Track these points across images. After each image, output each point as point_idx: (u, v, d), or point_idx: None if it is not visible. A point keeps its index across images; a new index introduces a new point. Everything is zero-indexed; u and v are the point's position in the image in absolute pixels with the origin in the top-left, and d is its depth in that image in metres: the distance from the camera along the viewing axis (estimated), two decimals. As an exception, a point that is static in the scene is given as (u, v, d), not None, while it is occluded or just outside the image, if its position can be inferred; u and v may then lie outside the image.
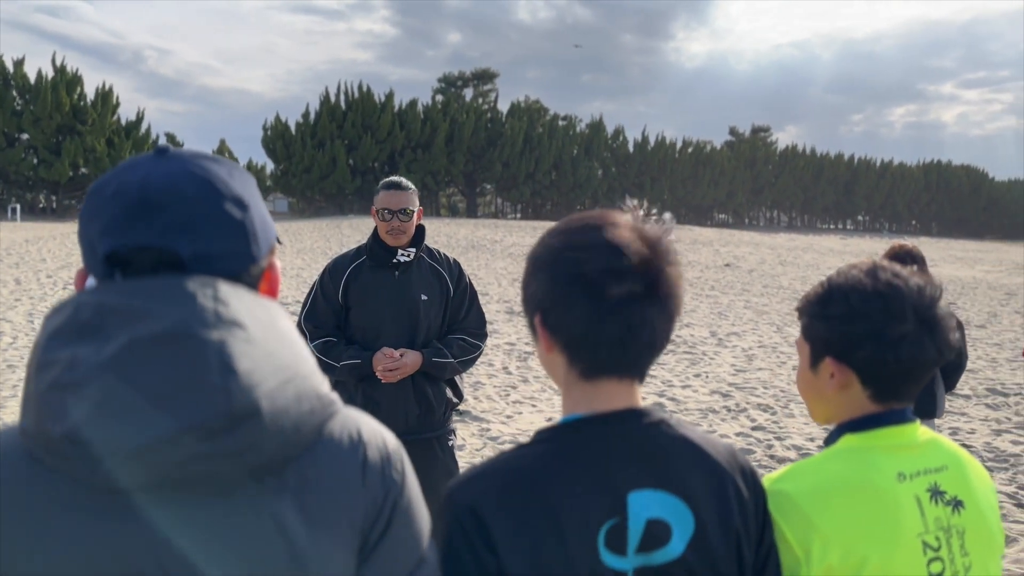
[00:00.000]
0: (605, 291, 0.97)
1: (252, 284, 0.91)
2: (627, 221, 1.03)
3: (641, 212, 1.05)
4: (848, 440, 1.22)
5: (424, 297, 3.12)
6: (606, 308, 0.98)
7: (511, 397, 7.42)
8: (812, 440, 6.29)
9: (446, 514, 0.99)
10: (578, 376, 1.04)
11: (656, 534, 0.98)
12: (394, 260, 3.11)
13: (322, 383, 0.87)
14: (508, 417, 6.74)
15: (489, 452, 5.74)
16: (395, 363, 2.99)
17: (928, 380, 1.21)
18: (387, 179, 3.18)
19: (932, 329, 1.16)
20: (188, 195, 0.86)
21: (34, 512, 0.77)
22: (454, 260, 3.29)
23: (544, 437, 1.05)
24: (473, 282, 3.33)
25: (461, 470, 3.33)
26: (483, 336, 3.26)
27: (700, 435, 1.08)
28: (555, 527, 0.96)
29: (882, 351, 1.16)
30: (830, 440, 1.25)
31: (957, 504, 1.18)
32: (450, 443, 3.20)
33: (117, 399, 0.74)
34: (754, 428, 6.64)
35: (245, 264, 0.89)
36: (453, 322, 3.21)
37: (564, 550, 0.95)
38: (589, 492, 0.98)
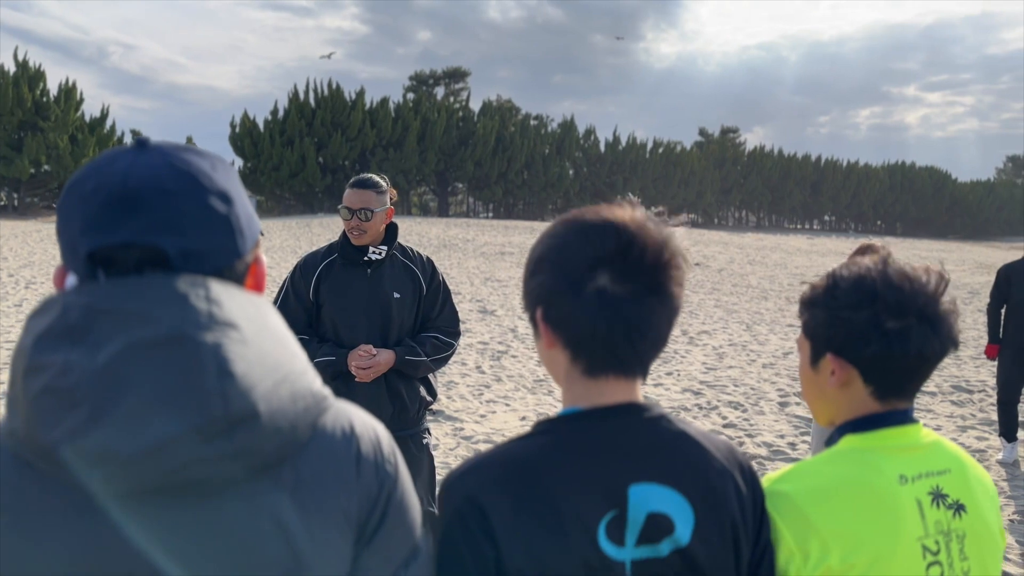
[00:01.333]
0: (609, 287, 0.97)
1: (238, 279, 0.89)
2: (632, 216, 1.02)
3: (650, 210, 1.04)
4: (849, 441, 1.20)
5: (396, 295, 3.09)
6: (610, 304, 0.97)
7: (484, 396, 7.41)
8: (782, 437, 6.36)
9: (444, 504, 0.99)
10: (581, 373, 1.03)
11: (657, 528, 0.98)
12: (365, 258, 3.07)
13: (314, 380, 0.87)
14: (482, 416, 6.73)
15: (463, 452, 5.72)
16: (369, 360, 2.96)
17: (929, 376, 1.20)
18: (357, 176, 3.13)
19: (937, 323, 1.14)
20: (172, 190, 0.83)
21: (24, 517, 0.75)
22: (427, 258, 3.26)
23: (544, 428, 1.04)
24: (448, 286, 3.31)
25: (436, 470, 3.32)
26: (456, 334, 3.24)
27: (700, 431, 1.08)
28: (555, 518, 0.96)
29: (886, 345, 1.13)
30: (831, 440, 1.23)
31: (959, 508, 1.16)
32: (425, 441, 3.18)
33: (113, 405, 0.73)
34: (725, 425, 6.70)
35: (231, 259, 0.87)
36: (426, 320, 3.19)
37: (564, 540, 0.95)
38: (589, 483, 0.98)
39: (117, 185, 0.82)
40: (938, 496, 1.15)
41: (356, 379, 2.99)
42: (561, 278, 0.99)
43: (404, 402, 3.08)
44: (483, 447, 5.83)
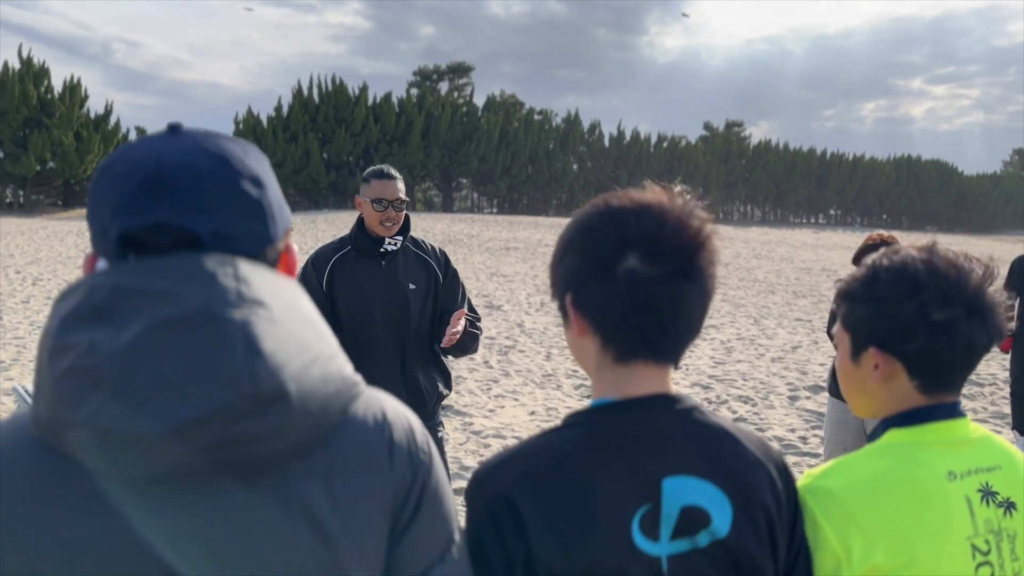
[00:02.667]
0: (639, 268, 0.94)
1: (270, 266, 0.88)
2: (663, 198, 1.00)
3: (678, 190, 1.02)
4: (894, 435, 1.15)
5: (412, 286, 3.06)
6: (641, 286, 0.95)
7: (493, 391, 7.39)
8: (793, 431, 6.33)
9: (473, 500, 0.97)
10: (611, 360, 1.01)
11: (693, 521, 0.96)
12: (381, 249, 3.04)
13: (345, 364, 0.85)
14: (491, 411, 6.71)
15: (472, 446, 5.70)
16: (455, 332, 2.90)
17: (975, 368, 1.16)
18: (375, 167, 3.11)
19: (985, 313, 1.10)
20: (204, 172, 0.83)
21: (47, 506, 0.73)
22: (440, 249, 3.25)
23: (574, 421, 1.02)
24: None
25: (449, 465, 3.30)
26: (479, 323, 3.23)
27: (733, 424, 1.06)
28: (588, 512, 0.93)
29: (932, 337, 1.08)
30: (874, 435, 1.19)
31: (1009, 506, 1.12)
32: (440, 435, 3.16)
33: (138, 384, 0.71)
34: (735, 420, 6.66)
35: (263, 245, 0.86)
36: (446, 311, 3.16)
37: (597, 536, 0.93)
38: (622, 477, 0.95)
39: (150, 167, 0.82)
40: (988, 493, 1.11)
41: (378, 360, 2.95)
42: (589, 261, 0.97)
43: (422, 394, 3.05)
44: (492, 441, 5.81)
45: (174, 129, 0.88)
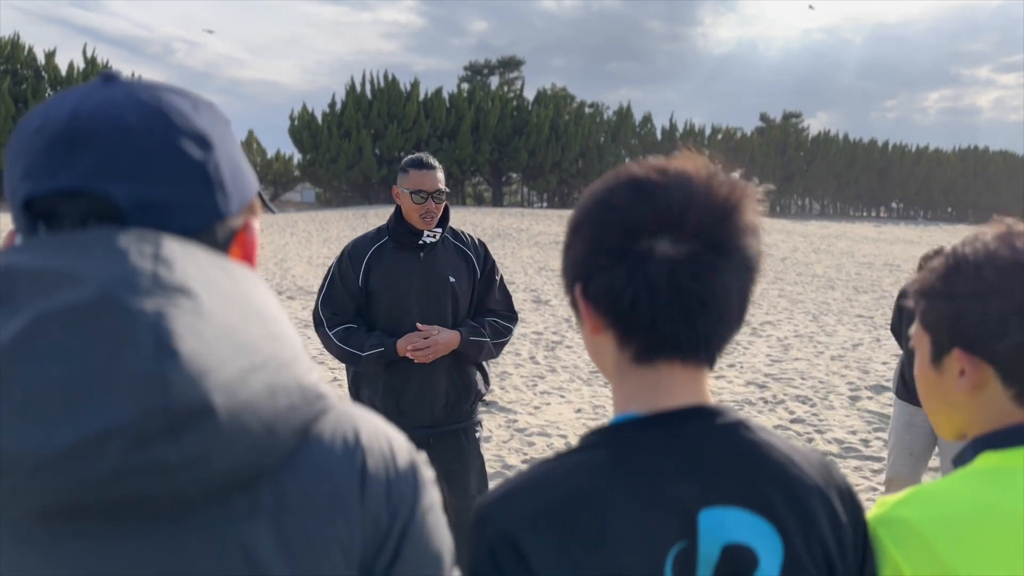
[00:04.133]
0: (660, 248, 0.77)
1: (219, 248, 0.70)
2: (688, 165, 0.82)
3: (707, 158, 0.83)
4: (988, 459, 0.96)
5: (452, 279, 2.93)
6: (661, 269, 0.77)
7: (538, 388, 7.23)
8: (854, 433, 6.02)
9: (474, 539, 0.80)
10: (631, 360, 0.83)
11: (736, 562, 0.78)
12: (419, 241, 2.91)
13: (307, 372, 0.66)
14: (536, 408, 6.55)
15: (516, 444, 5.54)
16: (427, 341, 2.80)
17: None
18: (413, 156, 2.97)
19: None
20: (131, 126, 0.66)
21: None
22: (479, 241, 3.10)
23: (592, 442, 0.84)
24: (500, 270, 3.15)
25: (488, 464, 3.14)
26: (514, 319, 3.09)
27: (786, 442, 0.87)
28: (609, 554, 0.76)
29: None
30: (963, 459, 1.00)
31: None
32: (477, 435, 3.02)
33: (17, 394, 0.54)
34: (793, 421, 6.37)
35: (207, 220, 0.69)
36: (481, 304, 3.03)
37: None
38: (650, 510, 0.78)
39: (63, 120, 0.67)
40: None
41: (415, 361, 2.83)
42: (601, 244, 0.81)
43: (459, 392, 2.93)
44: (537, 440, 5.65)
45: (108, 78, 0.72)
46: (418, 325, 2.85)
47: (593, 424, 6.10)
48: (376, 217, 29.89)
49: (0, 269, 0.61)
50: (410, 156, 3.00)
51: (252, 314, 0.64)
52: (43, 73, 44.15)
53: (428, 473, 0.75)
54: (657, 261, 0.77)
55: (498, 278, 3.09)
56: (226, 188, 0.70)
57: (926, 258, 3.58)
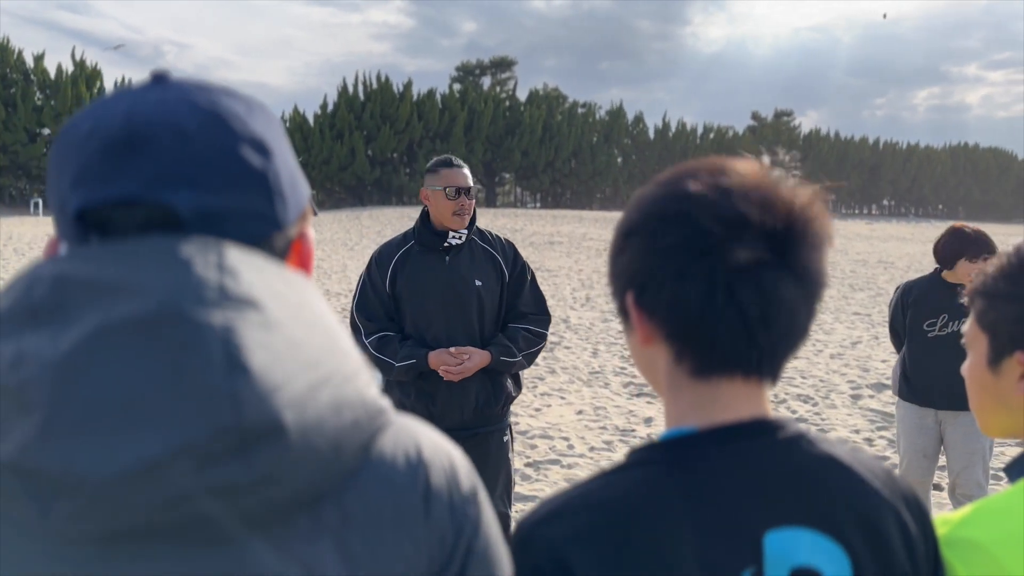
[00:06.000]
0: (723, 256, 0.72)
1: (276, 258, 0.69)
2: (754, 169, 0.78)
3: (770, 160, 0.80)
4: None
5: (479, 283, 2.88)
6: (725, 280, 0.73)
7: (538, 389, 7.19)
8: (857, 432, 6.00)
9: (519, 558, 0.75)
10: (688, 374, 0.78)
11: None
12: (445, 244, 2.87)
13: (368, 384, 0.64)
14: (536, 410, 6.51)
15: (518, 447, 5.49)
16: (459, 366, 2.78)
17: None
18: (440, 158, 2.97)
19: None
20: (189, 132, 0.63)
21: None
22: (507, 241, 3.06)
23: (644, 458, 0.79)
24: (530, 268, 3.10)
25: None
26: (546, 321, 3.03)
27: (850, 454, 0.82)
28: None
29: None
30: (1018, 468, 0.96)
31: None
32: (505, 439, 2.98)
33: (76, 410, 0.52)
34: (796, 420, 6.34)
35: (267, 229, 0.66)
36: (511, 308, 2.98)
37: None
38: (712, 534, 0.73)
39: (118, 125, 0.63)
40: None
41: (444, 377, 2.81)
42: (657, 248, 0.76)
43: (490, 396, 2.89)
44: (538, 442, 5.60)
45: (159, 79, 0.67)
46: (450, 349, 2.83)
47: (595, 426, 6.06)
48: (370, 219, 29.81)
49: (50, 278, 0.57)
50: (436, 158, 2.99)
51: (315, 326, 0.62)
52: (32, 76, 43.93)
53: (482, 486, 0.72)
54: (723, 272, 0.73)
55: (529, 278, 3.02)
56: (285, 196, 0.67)
57: (952, 237, 3.54)
